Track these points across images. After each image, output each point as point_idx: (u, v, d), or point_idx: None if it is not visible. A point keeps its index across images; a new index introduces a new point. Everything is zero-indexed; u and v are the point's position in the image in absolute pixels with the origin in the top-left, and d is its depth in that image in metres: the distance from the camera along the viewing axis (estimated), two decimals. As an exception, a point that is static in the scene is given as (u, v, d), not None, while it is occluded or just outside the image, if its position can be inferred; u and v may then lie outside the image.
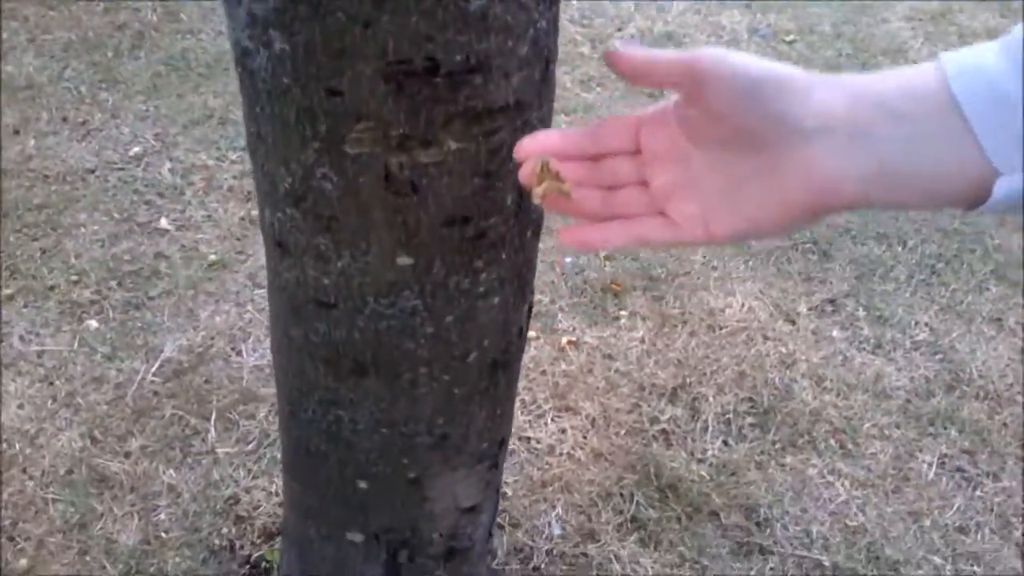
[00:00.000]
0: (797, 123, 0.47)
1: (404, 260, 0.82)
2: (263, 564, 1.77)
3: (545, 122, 0.81)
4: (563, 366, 2.27)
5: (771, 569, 1.86)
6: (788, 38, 3.82)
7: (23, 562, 1.80)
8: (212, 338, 2.26)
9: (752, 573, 1.85)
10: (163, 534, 1.83)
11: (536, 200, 0.53)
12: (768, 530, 1.94)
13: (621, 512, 1.94)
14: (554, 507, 1.93)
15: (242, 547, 1.81)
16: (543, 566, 1.82)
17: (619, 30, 3.80)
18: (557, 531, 1.89)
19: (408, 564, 1.17)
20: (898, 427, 2.19)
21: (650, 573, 1.82)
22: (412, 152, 0.74)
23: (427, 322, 0.87)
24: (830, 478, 2.07)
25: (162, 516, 1.87)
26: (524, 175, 0.53)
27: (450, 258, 0.83)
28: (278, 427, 1.13)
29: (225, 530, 1.84)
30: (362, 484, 1.05)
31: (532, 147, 0.53)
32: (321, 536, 1.17)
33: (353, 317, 0.87)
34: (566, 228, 0.55)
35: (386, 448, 1.00)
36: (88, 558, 1.80)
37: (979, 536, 1.94)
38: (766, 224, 0.51)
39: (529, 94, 0.76)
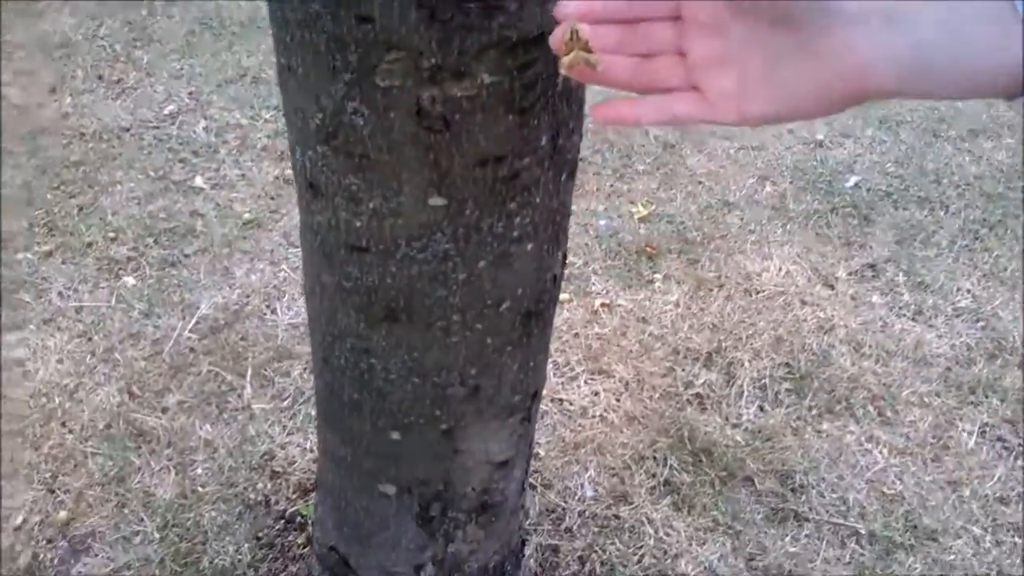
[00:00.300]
0: (838, 4, 0.45)
1: (436, 201, 0.79)
2: (298, 519, 1.77)
3: (584, 56, 0.78)
4: (596, 329, 2.24)
5: (806, 536, 1.83)
6: None
7: (63, 514, 1.82)
8: (247, 296, 2.26)
9: (787, 539, 1.82)
10: (199, 488, 1.84)
11: (563, 70, 0.51)
12: (803, 496, 1.91)
13: (654, 475, 1.91)
14: (586, 469, 1.91)
15: (277, 502, 1.81)
16: (575, 527, 1.80)
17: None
18: (589, 493, 1.87)
19: (440, 517, 1.15)
20: (938, 395, 2.14)
21: (683, 537, 1.80)
22: (444, 85, 0.70)
23: (460, 267, 0.85)
24: (868, 445, 2.02)
25: (198, 471, 1.88)
26: (554, 41, 0.51)
27: (483, 199, 0.80)
28: (312, 374, 1.12)
29: (260, 485, 1.84)
30: (394, 435, 1.03)
31: (569, 9, 0.51)
32: (354, 487, 1.16)
33: (385, 261, 0.85)
34: (598, 104, 0.54)
35: (418, 398, 0.98)
36: (126, 511, 1.82)
37: (1020, 507, 1.89)
38: (800, 107, 0.50)
39: (567, 24, 0.72)
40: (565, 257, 0.98)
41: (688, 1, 0.50)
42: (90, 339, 2.15)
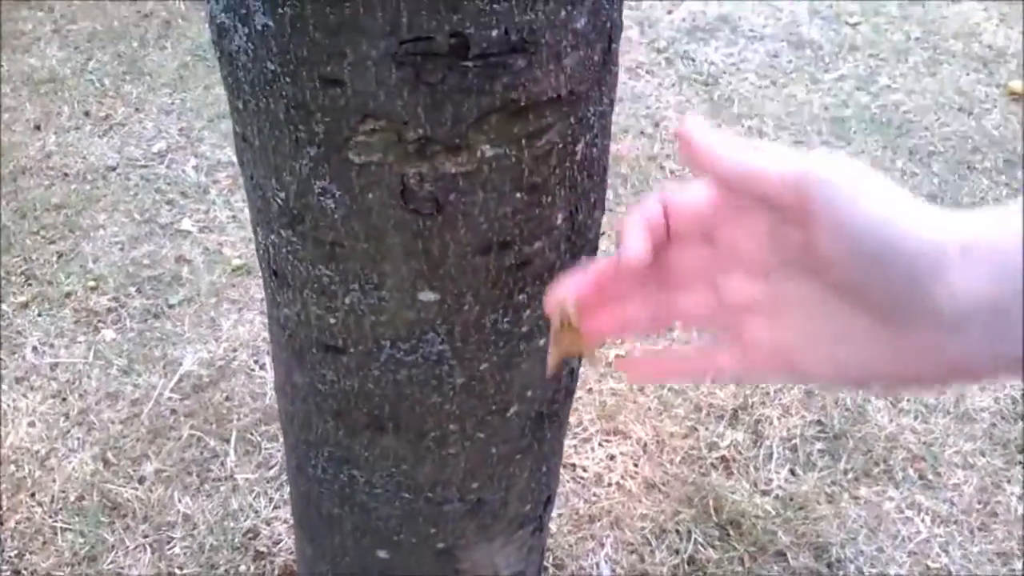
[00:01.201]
0: (931, 307, 0.37)
1: (427, 296, 0.64)
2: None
3: (605, 118, 0.63)
4: (611, 384, 2.08)
5: (846, 619, 1.67)
6: (852, 20, 3.58)
7: (28, 596, 1.67)
8: (234, 350, 2.11)
9: (825, 622, 1.66)
10: (177, 570, 1.69)
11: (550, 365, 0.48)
12: (841, 572, 1.74)
13: (677, 552, 1.75)
14: (603, 545, 1.75)
15: (262, 595, 1.66)
16: (590, 612, 1.64)
17: (669, 13, 3.59)
18: (606, 573, 1.71)
19: None
20: (983, 454, 1.97)
21: (710, 623, 1.64)
22: (435, 160, 0.56)
23: (457, 371, 0.70)
24: (909, 512, 1.86)
25: (176, 549, 1.72)
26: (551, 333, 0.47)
27: (485, 293, 0.65)
28: (287, 477, 0.97)
29: (243, 567, 1.68)
30: (382, 554, 0.88)
31: (560, 295, 0.46)
32: None
33: (366, 364, 0.70)
34: (621, 360, 0.50)
35: (409, 515, 0.83)
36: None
37: (1082, 582, 1.73)
38: (875, 380, 0.42)
39: (586, 82, 0.58)
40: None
41: (721, 222, 0.42)
42: (64, 399, 2.00)
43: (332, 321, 0.68)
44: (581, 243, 0.69)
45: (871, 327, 0.40)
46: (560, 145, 0.60)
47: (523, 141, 0.58)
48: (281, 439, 1.89)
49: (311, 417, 0.79)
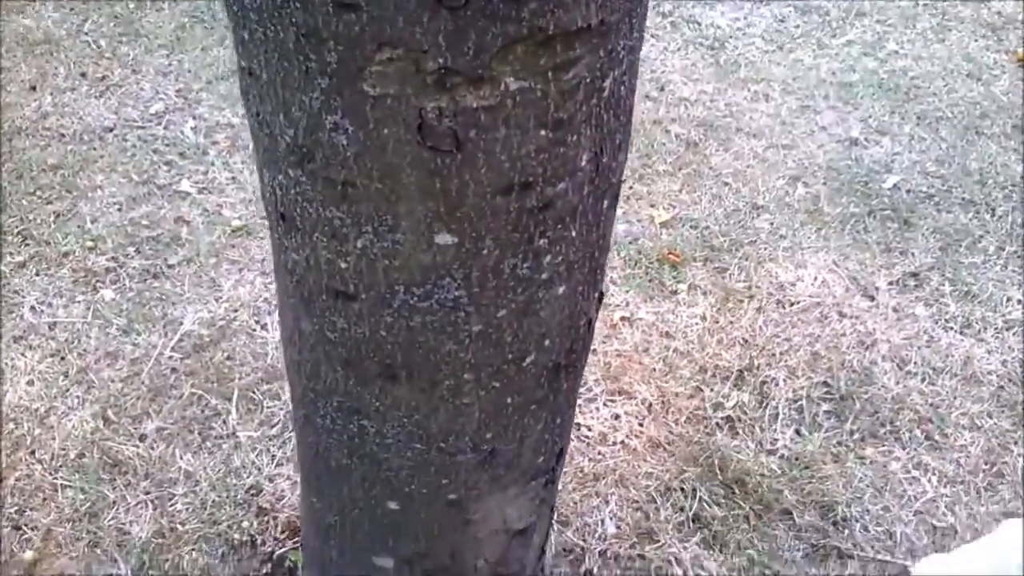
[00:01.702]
0: None
1: (444, 239, 0.62)
2: (287, 563, 1.60)
3: (634, 53, 0.60)
4: (616, 345, 2.06)
5: (850, 574, 1.66)
6: None
7: (29, 554, 1.66)
8: (235, 310, 2.08)
9: (830, 581, 1.65)
10: (179, 526, 1.68)
11: None
12: (846, 531, 1.73)
13: (682, 509, 1.74)
14: (607, 503, 1.74)
15: (264, 543, 1.64)
16: (595, 569, 1.63)
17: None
18: (611, 529, 1.70)
19: None
20: (990, 416, 1.96)
21: (715, 580, 1.63)
22: (455, 92, 0.53)
23: (473, 318, 0.68)
24: (915, 473, 1.85)
25: (178, 506, 1.71)
26: None
27: (505, 236, 0.63)
28: (293, 430, 0.95)
29: (246, 523, 1.67)
30: (392, 505, 0.86)
31: None
32: (344, 559, 0.99)
33: (378, 311, 0.68)
34: None
35: (421, 466, 0.81)
36: (98, 551, 1.65)
37: (1087, 542, 1.72)
38: None
39: (618, 11, 0.55)
40: (602, 297, 0.81)
41: None
42: (63, 358, 1.98)
43: (343, 266, 0.66)
44: (604, 186, 0.67)
45: None
46: (588, 80, 0.57)
47: (549, 74, 0.55)
48: (284, 397, 1.88)
49: (319, 366, 0.77)
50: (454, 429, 0.78)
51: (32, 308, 2.08)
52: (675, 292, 2.19)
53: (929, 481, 1.83)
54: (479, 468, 0.83)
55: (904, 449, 1.89)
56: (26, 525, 1.71)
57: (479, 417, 0.77)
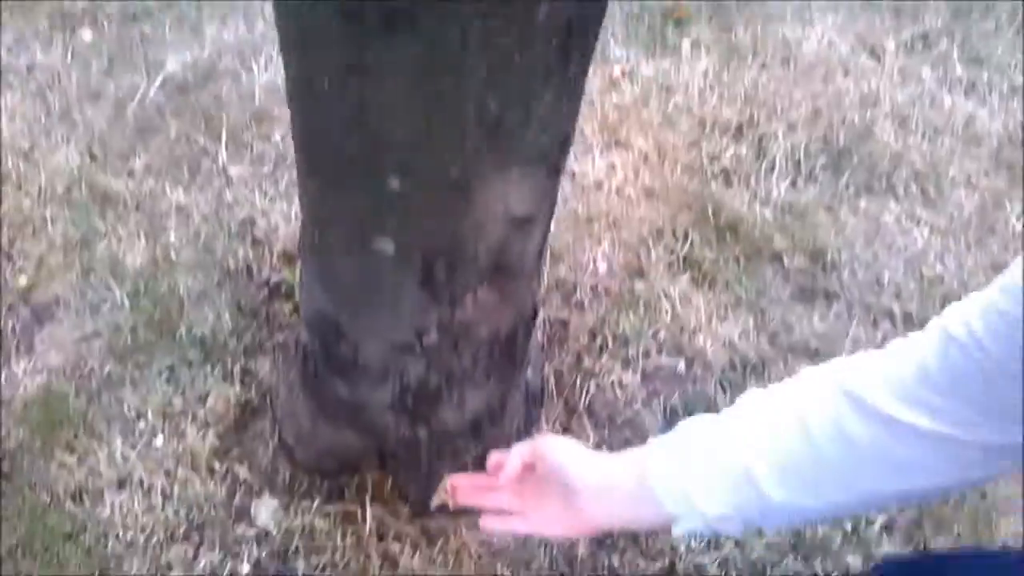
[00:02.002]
0: (578, 488, 0.94)
1: None
2: (284, 288, 1.64)
3: None
4: (615, 98, 2.04)
5: (835, 314, 1.72)
6: None
7: (23, 280, 1.69)
8: (219, 54, 2.04)
9: (815, 317, 1.71)
10: (173, 255, 1.70)
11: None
12: (835, 275, 1.78)
13: (673, 251, 1.78)
14: (600, 243, 1.77)
15: (260, 270, 1.67)
16: (586, 302, 1.68)
17: None
18: (603, 267, 1.74)
19: (447, 281, 1.00)
20: (987, 175, 1.98)
21: (702, 313, 1.68)
22: None
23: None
24: (907, 224, 1.89)
25: (171, 237, 1.73)
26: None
27: None
28: (287, 103, 0.94)
29: (241, 252, 1.70)
30: (393, 182, 0.86)
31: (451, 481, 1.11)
32: (344, 246, 1.00)
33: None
34: (485, 519, 1.04)
35: (424, 138, 0.80)
36: (92, 278, 1.69)
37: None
38: (570, 532, 1.00)
39: None
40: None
41: (524, 470, 1.00)
42: (44, 98, 1.95)
43: None
44: None
45: (565, 503, 0.95)
46: None
47: None
48: (274, 139, 1.87)
49: (317, 20, 0.75)
50: (459, 90, 0.77)
51: (9, 49, 2.03)
52: (678, 48, 2.15)
53: (921, 233, 1.87)
54: (484, 142, 0.82)
55: (898, 203, 1.91)
56: (18, 255, 1.73)
57: (486, 77, 0.76)
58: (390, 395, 1.16)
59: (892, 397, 0.71)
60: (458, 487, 1.12)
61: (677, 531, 0.86)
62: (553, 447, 0.97)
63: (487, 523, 1.05)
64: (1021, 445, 0.67)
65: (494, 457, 1.05)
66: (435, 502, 1.16)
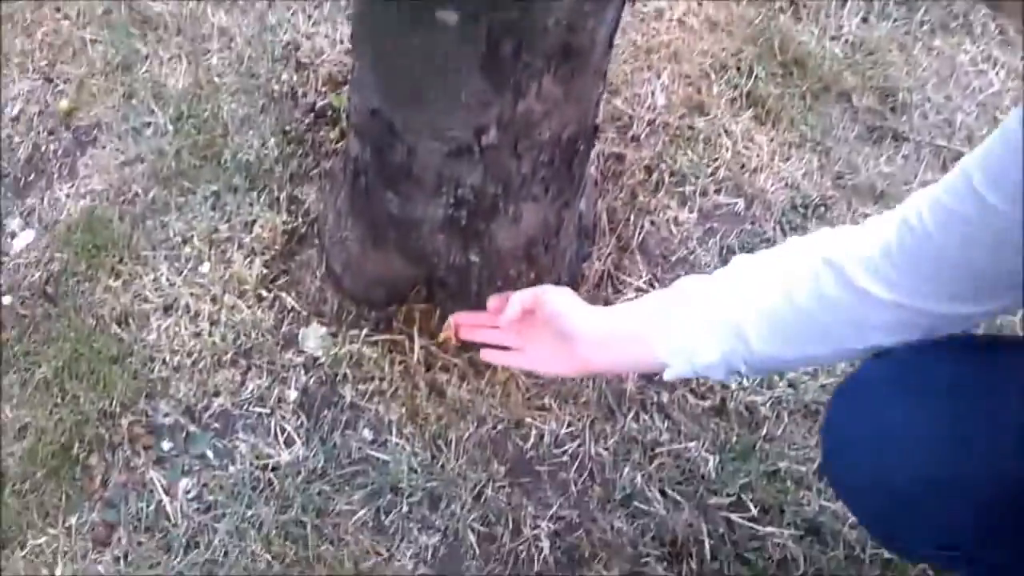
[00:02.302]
0: (576, 335, 1.02)
1: None
2: (329, 112, 1.56)
3: None
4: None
5: (903, 156, 1.62)
6: None
7: (64, 103, 1.62)
8: None
9: (882, 159, 1.60)
10: (216, 79, 1.62)
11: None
12: (905, 116, 1.67)
13: (736, 86, 1.66)
14: (659, 76, 1.66)
15: (305, 95, 1.59)
16: (643, 136, 1.59)
17: None
18: (661, 101, 1.63)
19: (512, 61, 0.91)
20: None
21: (765, 151, 1.59)
22: None
23: None
24: (983, 66, 1.75)
25: (214, 60, 1.64)
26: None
27: None
28: None
29: (285, 77, 1.61)
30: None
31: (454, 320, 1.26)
32: (403, 20, 0.92)
33: None
34: (484, 351, 1.18)
35: None
36: (134, 101, 1.62)
37: None
38: (564, 371, 1.11)
39: None
40: None
41: (524, 314, 1.07)
42: (78, -86, 1.83)
43: None
44: None
45: (564, 345, 1.04)
46: None
47: None
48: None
49: None
50: None
51: None
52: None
53: (997, 75, 1.74)
54: None
55: (974, 43, 1.77)
56: (58, 77, 1.66)
57: None
58: (443, 210, 1.10)
59: (861, 268, 0.80)
60: (460, 324, 1.23)
61: (668, 375, 0.96)
62: (554, 296, 1.06)
63: (487, 355, 1.17)
64: (965, 317, 0.79)
65: (493, 300, 1.14)
66: (440, 337, 1.30)
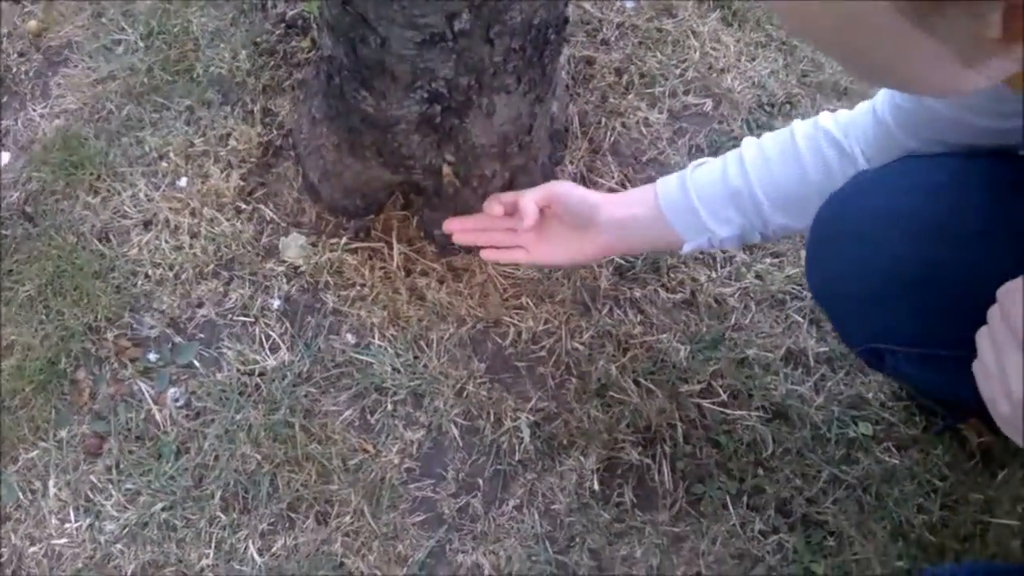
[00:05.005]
0: (597, 222, 1.01)
1: None
2: (300, 22, 1.43)
3: None
4: None
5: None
6: None
7: (33, 23, 1.49)
8: None
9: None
10: (189, -4, 1.49)
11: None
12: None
13: (707, -11, 1.54)
14: (626, -21, 1.54)
15: (275, 5, 1.46)
16: (612, 39, 1.47)
17: None
18: (630, 4, 1.51)
19: None
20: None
21: (731, 51, 1.48)
22: None
23: None
24: None
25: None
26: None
27: None
28: None
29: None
30: None
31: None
32: None
33: None
34: (485, 251, 1.14)
35: None
36: (104, 19, 1.48)
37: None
38: (579, 259, 1.07)
39: None
40: None
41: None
42: None
43: None
44: None
45: (580, 236, 1.04)
46: None
47: None
48: None
49: None
50: None
51: None
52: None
53: None
54: None
55: None
56: (25, -1, 1.52)
57: None
58: (418, 106, 1.00)
59: (851, 140, 0.89)
60: (454, 230, 1.15)
61: (686, 249, 0.98)
62: (569, 189, 1.05)
63: (488, 255, 1.13)
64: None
65: (494, 205, 1.09)
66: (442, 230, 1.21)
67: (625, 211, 1.01)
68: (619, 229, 1.02)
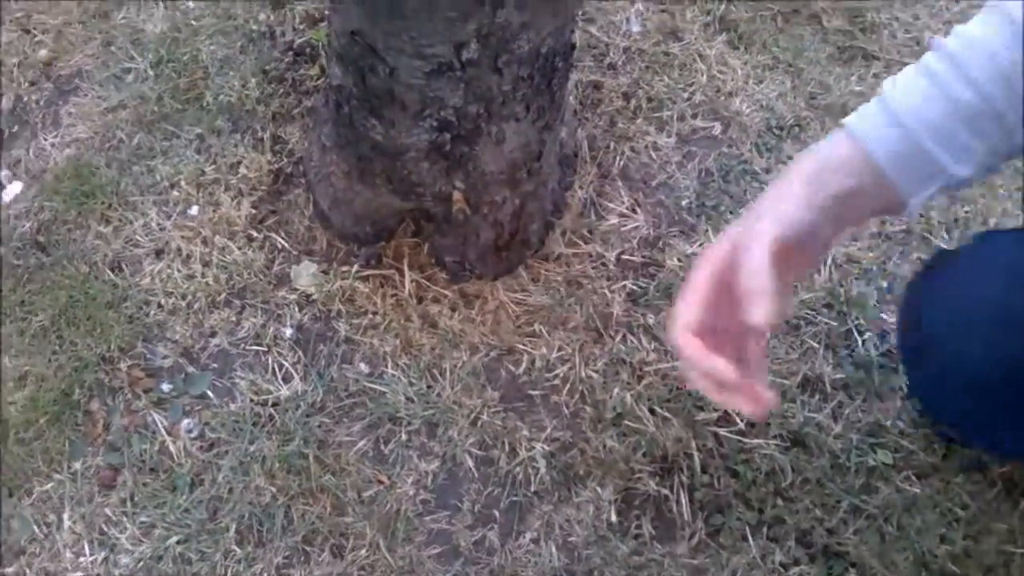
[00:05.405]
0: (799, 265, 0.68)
1: None
2: (308, 50, 1.42)
3: None
4: None
5: (874, 75, 1.49)
6: None
7: (43, 53, 1.47)
8: None
9: (852, 79, 1.48)
10: (193, 22, 1.47)
11: None
12: (874, 35, 1.54)
13: (709, 12, 1.52)
14: (633, 3, 1.52)
15: (283, 34, 1.44)
16: (619, 64, 1.46)
17: None
18: (636, 28, 1.50)
19: None
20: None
21: (739, 74, 1.46)
22: None
23: None
24: (951, -15, 1.62)
25: (190, 3, 1.49)
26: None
27: None
28: None
29: (263, 16, 1.46)
30: None
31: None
32: None
33: None
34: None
35: None
36: (113, 48, 1.46)
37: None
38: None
39: None
40: None
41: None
42: None
43: None
44: None
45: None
46: None
47: None
48: None
49: None
50: None
51: None
52: None
53: (963, -7, 1.60)
54: None
55: (941, -38, 1.63)
56: (35, 28, 1.51)
57: None
58: (427, 135, 0.98)
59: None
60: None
61: (913, 206, 0.68)
62: (745, 255, 0.64)
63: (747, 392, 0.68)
64: None
65: (680, 335, 0.65)
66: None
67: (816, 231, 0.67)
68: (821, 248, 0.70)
